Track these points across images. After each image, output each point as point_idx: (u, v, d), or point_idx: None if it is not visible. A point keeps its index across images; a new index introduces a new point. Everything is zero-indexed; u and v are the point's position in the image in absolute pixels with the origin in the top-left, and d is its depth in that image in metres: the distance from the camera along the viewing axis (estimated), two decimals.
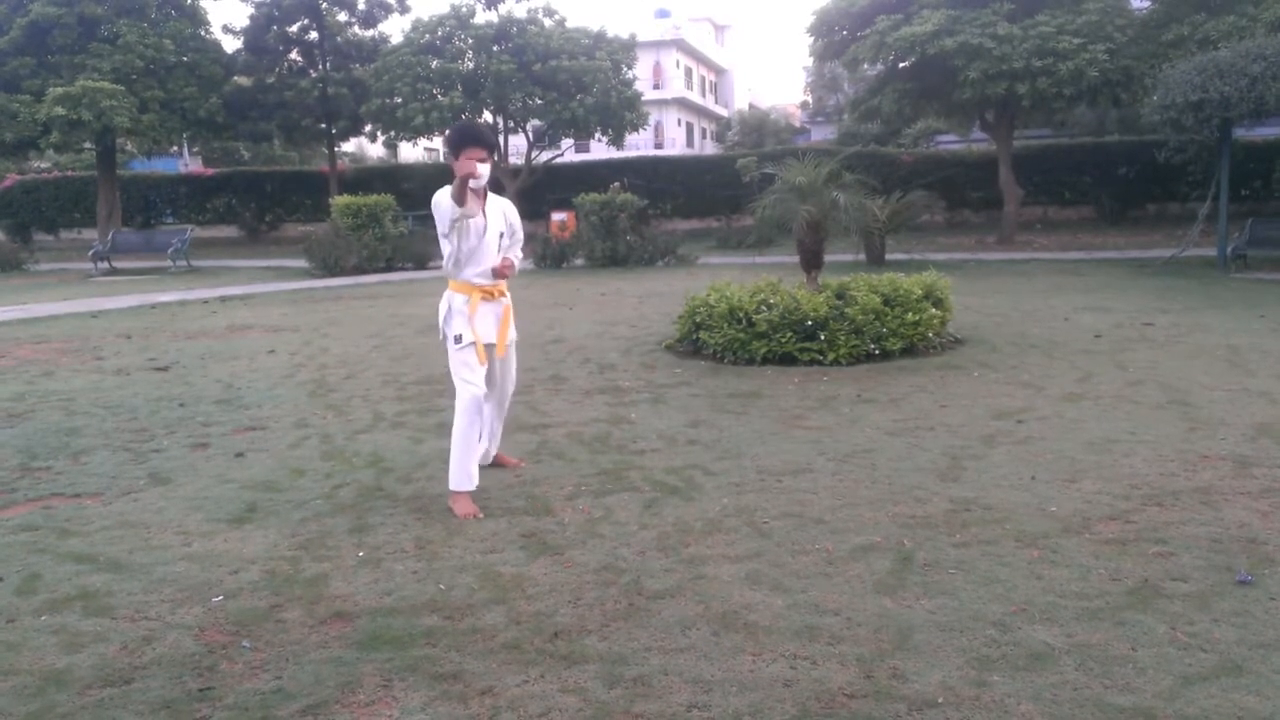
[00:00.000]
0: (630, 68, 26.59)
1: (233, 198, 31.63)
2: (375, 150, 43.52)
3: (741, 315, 7.81)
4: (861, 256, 15.71)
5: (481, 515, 4.32)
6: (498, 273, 4.57)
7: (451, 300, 4.52)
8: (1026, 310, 10.65)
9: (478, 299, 4.51)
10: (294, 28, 27.46)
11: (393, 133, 26.52)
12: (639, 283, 15.00)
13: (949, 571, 3.55)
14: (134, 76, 24.49)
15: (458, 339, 4.47)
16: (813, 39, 22.77)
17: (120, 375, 8.18)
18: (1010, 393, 6.54)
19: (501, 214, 4.63)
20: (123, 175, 30.13)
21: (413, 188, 29.66)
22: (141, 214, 31.02)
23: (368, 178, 29.82)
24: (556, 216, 22.54)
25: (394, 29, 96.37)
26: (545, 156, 28.05)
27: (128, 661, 3.05)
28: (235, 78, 27.36)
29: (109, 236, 23.20)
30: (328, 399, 7.01)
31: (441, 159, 41.66)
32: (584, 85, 24.85)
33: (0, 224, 31.03)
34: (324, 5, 27.24)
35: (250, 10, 27.27)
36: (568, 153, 29.90)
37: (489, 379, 4.65)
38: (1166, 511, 4.12)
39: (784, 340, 7.64)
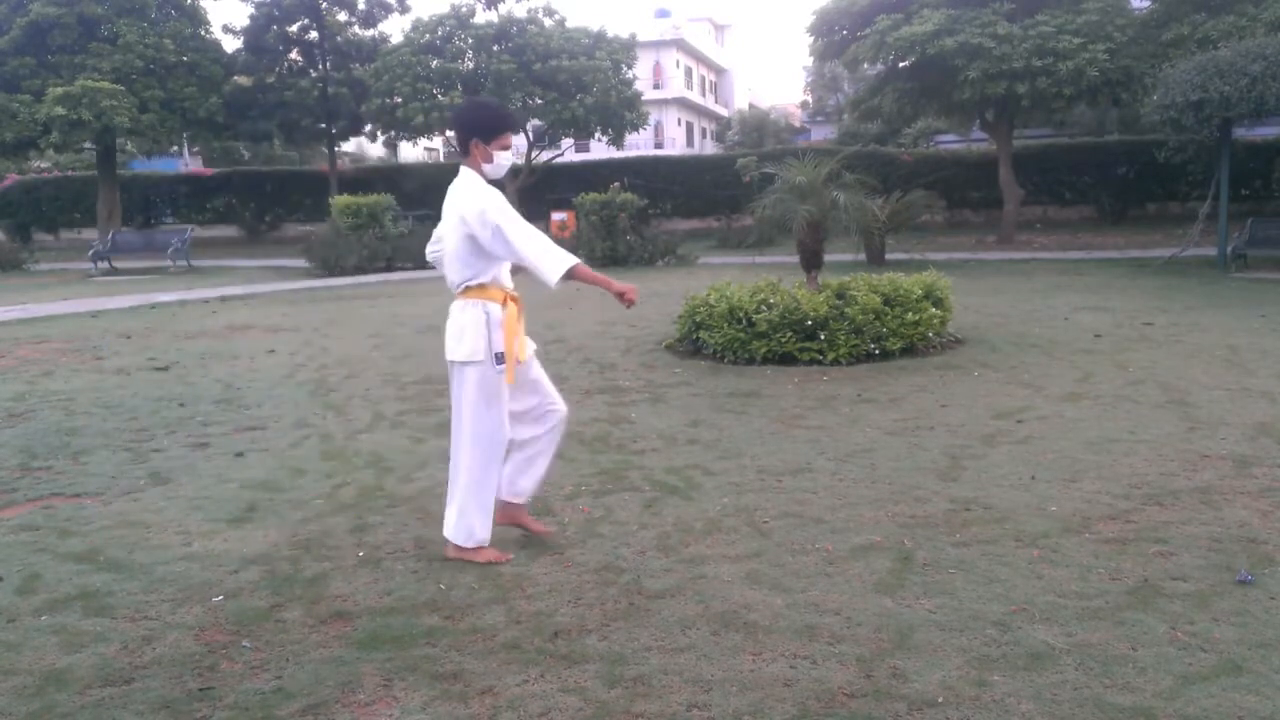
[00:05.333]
0: (630, 67, 26.59)
1: (233, 198, 31.63)
2: (375, 150, 43.55)
3: (741, 315, 7.81)
4: (861, 256, 15.70)
5: (510, 557, 3.80)
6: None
7: (489, 309, 3.70)
8: (1026, 310, 10.65)
9: (514, 307, 3.77)
10: (294, 27, 27.47)
11: (393, 132, 26.55)
12: (639, 282, 14.93)
13: (949, 571, 3.55)
14: (134, 76, 24.50)
15: (499, 358, 3.68)
16: (813, 39, 22.76)
17: (120, 375, 8.18)
18: (1010, 392, 6.54)
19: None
20: (123, 175, 30.12)
21: (413, 187, 29.69)
22: (141, 214, 31.03)
23: (368, 177, 29.81)
24: (556, 216, 22.55)
25: (394, 29, 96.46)
26: (545, 156, 28.05)
27: (128, 661, 3.05)
28: (235, 78, 27.36)
29: (109, 236, 23.19)
30: (328, 399, 7.01)
31: (444, 152, 41.65)
32: (584, 85, 24.85)
33: (0, 224, 31.03)
34: (324, 5, 27.25)
35: (250, 10, 27.29)
36: (568, 152, 29.89)
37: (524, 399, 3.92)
38: (1166, 511, 4.12)
39: (784, 340, 7.64)
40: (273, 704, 2.77)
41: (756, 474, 4.86)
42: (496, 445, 3.78)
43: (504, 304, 3.73)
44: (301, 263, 21.13)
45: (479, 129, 3.70)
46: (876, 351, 7.73)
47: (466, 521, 3.76)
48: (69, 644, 3.18)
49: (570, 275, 3.58)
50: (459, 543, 3.79)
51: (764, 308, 7.77)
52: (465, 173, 3.74)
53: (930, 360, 7.73)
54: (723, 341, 7.87)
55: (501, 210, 3.57)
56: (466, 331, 3.69)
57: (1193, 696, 2.65)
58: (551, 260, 3.57)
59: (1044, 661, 2.86)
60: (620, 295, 3.74)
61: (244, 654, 3.07)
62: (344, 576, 3.69)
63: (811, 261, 8.48)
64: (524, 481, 3.98)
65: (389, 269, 20.05)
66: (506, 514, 3.99)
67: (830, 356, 7.59)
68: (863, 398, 6.51)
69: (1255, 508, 4.13)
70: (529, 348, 3.89)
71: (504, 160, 3.75)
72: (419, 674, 2.92)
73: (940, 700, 2.67)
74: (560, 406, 3.99)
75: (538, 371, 3.94)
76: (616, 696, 2.75)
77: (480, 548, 3.79)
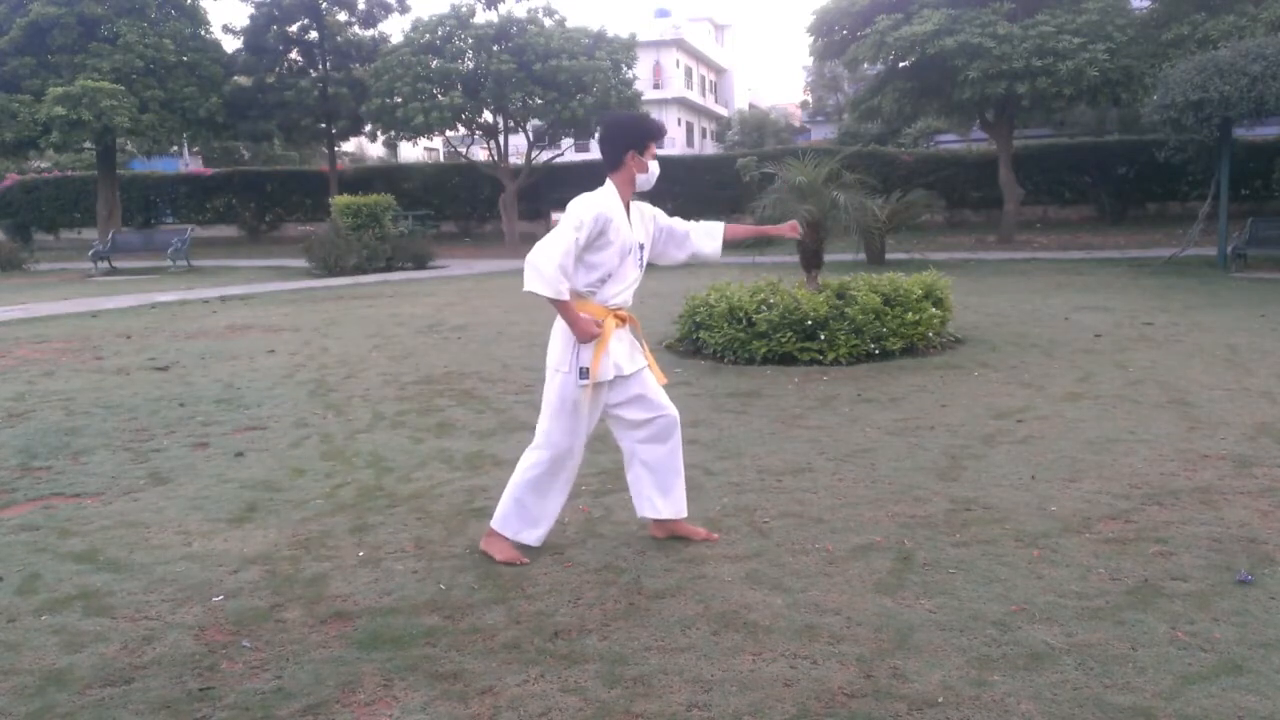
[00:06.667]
0: (630, 67, 26.58)
1: (233, 197, 31.66)
2: (375, 150, 43.54)
3: (741, 315, 7.81)
4: (861, 256, 15.68)
5: (527, 561, 3.78)
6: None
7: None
8: (1026, 310, 10.65)
9: (612, 325, 3.77)
10: (294, 27, 27.47)
11: (393, 132, 26.51)
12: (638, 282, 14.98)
13: (949, 571, 3.55)
14: (134, 76, 24.49)
15: (583, 373, 3.71)
16: (813, 38, 22.77)
17: (120, 375, 8.18)
18: (1010, 392, 6.54)
19: (643, 220, 3.93)
20: (123, 175, 30.13)
21: (413, 187, 29.71)
22: (141, 214, 31.05)
23: (368, 177, 29.84)
24: (556, 216, 22.53)
25: (394, 29, 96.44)
26: (545, 156, 28.04)
27: (128, 661, 3.05)
28: (235, 77, 27.37)
29: (109, 236, 23.20)
30: (328, 399, 7.01)
31: (444, 152, 41.62)
32: (584, 85, 24.83)
33: (0, 224, 31.03)
34: (324, 5, 27.24)
35: (250, 10, 27.28)
36: (568, 152, 29.86)
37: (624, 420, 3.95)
38: (1166, 511, 4.12)
39: (784, 340, 7.64)
40: (273, 704, 2.77)
41: (756, 474, 4.86)
42: (560, 454, 3.80)
43: (601, 320, 3.71)
44: (301, 263, 21.14)
45: (635, 141, 3.73)
46: (876, 351, 7.73)
47: (505, 510, 3.82)
48: (69, 644, 3.18)
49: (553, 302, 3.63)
50: (492, 524, 3.85)
51: (764, 308, 7.78)
52: (606, 185, 3.76)
53: (930, 360, 7.73)
54: (723, 341, 7.86)
55: (563, 217, 3.64)
56: (556, 340, 3.81)
57: (1193, 696, 2.65)
58: (531, 274, 3.59)
59: (1044, 661, 2.86)
60: (586, 340, 3.72)
61: (244, 654, 3.07)
62: (344, 576, 3.69)
63: (811, 261, 8.48)
64: (667, 504, 3.92)
65: (389, 269, 20.07)
66: (663, 528, 4.00)
67: (830, 356, 7.59)
68: (863, 398, 6.51)
69: (1255, 508, 4.13)
70: (638, 362, 3.86)
71: (656, 168, 3.81)
72: (419, 674, 2.92)
73: (940, 700, 2.67)
74: (669, 411, 3.91)
75: (648, 383, 3.90)
76: (616, 696, 2.75)
77: (505, 542, 3.82)
